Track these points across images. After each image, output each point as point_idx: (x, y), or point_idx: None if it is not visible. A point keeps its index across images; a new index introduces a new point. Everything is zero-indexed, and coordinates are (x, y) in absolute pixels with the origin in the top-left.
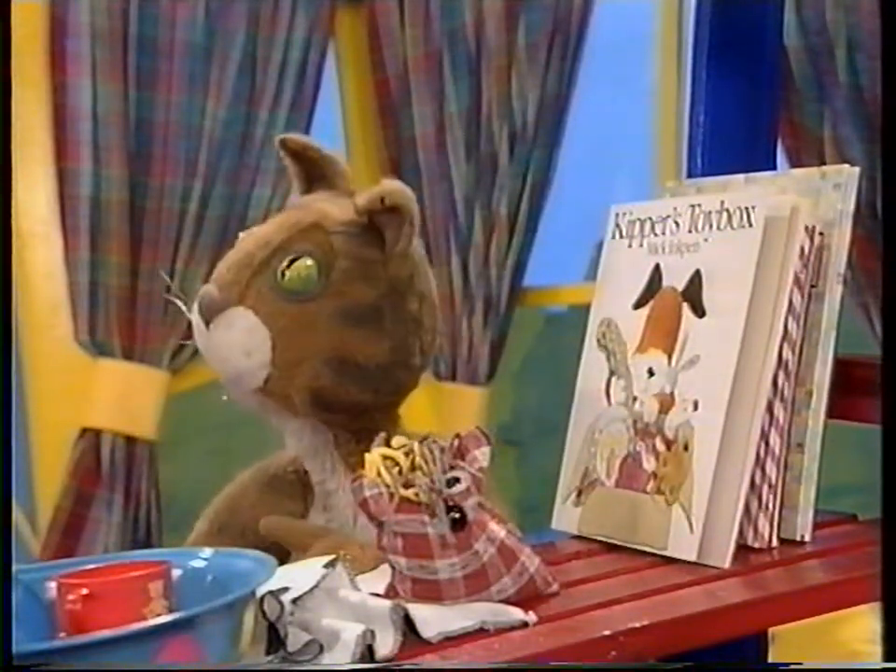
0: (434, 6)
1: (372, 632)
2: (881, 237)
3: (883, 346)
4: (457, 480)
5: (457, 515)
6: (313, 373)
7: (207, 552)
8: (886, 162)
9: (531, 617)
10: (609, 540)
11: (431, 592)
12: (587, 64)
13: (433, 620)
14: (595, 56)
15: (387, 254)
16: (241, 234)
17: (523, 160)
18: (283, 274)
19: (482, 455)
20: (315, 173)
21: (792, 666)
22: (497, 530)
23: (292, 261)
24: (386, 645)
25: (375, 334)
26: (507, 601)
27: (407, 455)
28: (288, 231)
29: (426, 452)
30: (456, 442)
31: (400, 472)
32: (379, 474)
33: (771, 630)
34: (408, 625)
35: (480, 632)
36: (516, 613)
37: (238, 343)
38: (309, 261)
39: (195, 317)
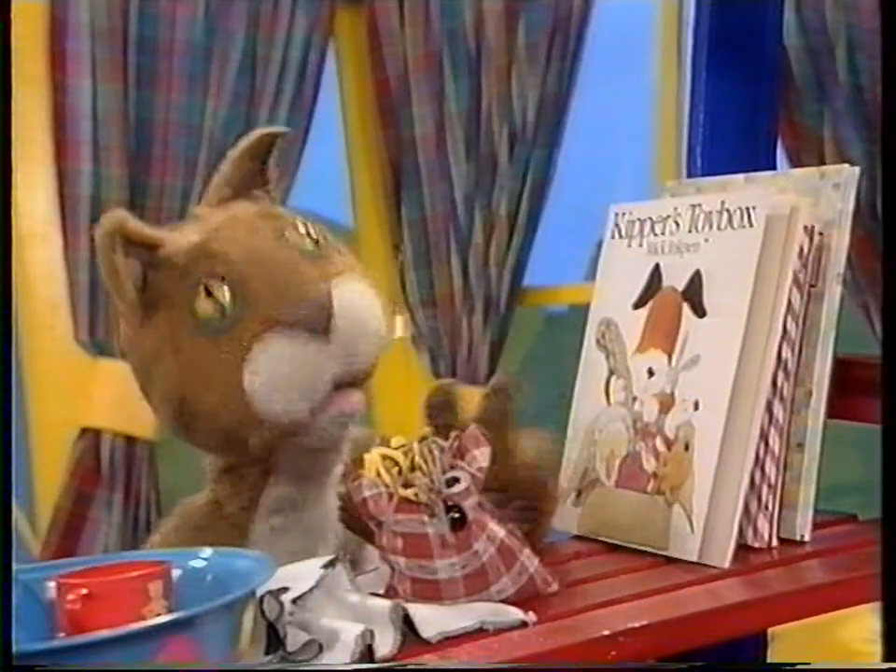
0: (434, 6)
1: (372, 632)
2: (881, 237)
3: (883, 346)
4: (457, 480)
5: (457, 515)
6: None
7: (207, 551)
8: (886, 162)
9: (531, 617)
10: (609, 540)
11: (431, 592)
12: (587, 64)
13: (433, 620)
14: (595, 56)
15: None
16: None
17: (523, 160)
18: None
19: (481, 455)
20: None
21: (795, 666)
22: (497, 530)
23: None
24: (386, 645)
25: None
26: (506, 601)
27: (406, 454)
28: None
29: (425, 451)
30: (456, 442)
31: (400, 472)
32: (378, 474)
33: (771, 630)
34: (407, 625)
35: (479, 632)
36: (516, 613)
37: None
38: None
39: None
